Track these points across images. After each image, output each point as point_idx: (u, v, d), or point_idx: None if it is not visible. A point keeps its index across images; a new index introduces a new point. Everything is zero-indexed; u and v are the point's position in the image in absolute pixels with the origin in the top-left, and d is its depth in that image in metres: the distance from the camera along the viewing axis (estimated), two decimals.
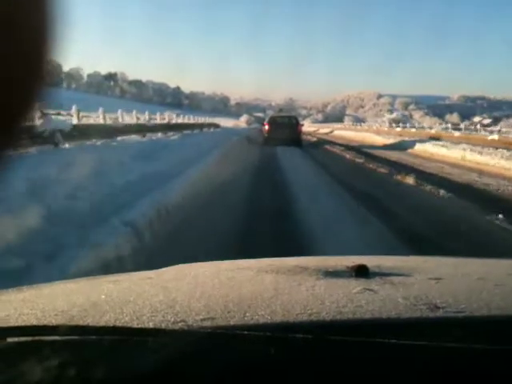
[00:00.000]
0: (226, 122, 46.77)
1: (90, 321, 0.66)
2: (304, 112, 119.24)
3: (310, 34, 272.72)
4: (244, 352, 0.56)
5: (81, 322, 0.66)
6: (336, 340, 0.58)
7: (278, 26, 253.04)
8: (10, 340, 0.58)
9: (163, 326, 0.64)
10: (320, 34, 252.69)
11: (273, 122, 20.62)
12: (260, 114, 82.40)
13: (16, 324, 0.66)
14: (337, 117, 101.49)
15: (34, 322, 0.66)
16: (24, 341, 0.59)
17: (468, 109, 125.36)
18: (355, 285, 0.84)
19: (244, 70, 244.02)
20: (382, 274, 0.95)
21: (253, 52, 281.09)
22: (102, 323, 0.65)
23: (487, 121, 76.32)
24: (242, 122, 73.38)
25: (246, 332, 0.60)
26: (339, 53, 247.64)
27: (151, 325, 0.64)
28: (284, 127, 19.64)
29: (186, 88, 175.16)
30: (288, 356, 0.56)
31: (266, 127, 20.16)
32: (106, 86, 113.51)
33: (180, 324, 0.64)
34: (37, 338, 0.59)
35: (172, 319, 0.66)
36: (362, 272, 0.94)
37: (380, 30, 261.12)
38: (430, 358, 0.55)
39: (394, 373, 0.54)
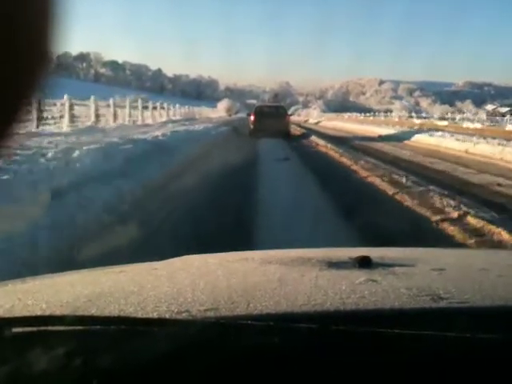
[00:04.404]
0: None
1: (94, 311, 0.70)
2: (301, 99, 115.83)
3: (305, 18, 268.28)
4: (248, 342, 0.59)
5: (85, 313, 0.70)
6: (339, 330, 0.61)
7: (271, 9, 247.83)
8: (15, 330, 0.62)
9: (167, 316, 0.68)
10: (315, 18, 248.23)
11: (259, 111, 20.48)
12: (253, 101, 78.22)
13: (20, 315, 0.70)
14: (340, 104, 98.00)
15: (39, 313, 0.70)
16: (29, 331, 0.62)
17: (475, 96, 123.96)
18: (358, 276, 0.88)
19: (236, 55, 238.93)
20: (385, 265, 0.98)
21: (244, 35, 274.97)
22: (106, 314, 0.69)
23: (504, 109, 72.57)
24: (221, 109, 57.05)
25: (249, 322, 0.63)
26: (336, 37, 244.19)
27: (155, 315, 0.68)
28: (271, 118, 19.53)
29: (169, 70, 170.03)
30: (291, 346, 0.59)
31: (252, 118, 19.99)
32: (79, 69, 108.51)
33: (184, 314, 0.68)
34: (42, 328, 0.63)
35: (176, 309, 0.70)
36: (365, 263, 0.97)
37: (380, 14, 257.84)
38: (433, 348, 0.58)
39: (398, 363, 0.57)
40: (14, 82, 0.31)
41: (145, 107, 23.75)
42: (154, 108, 25.56)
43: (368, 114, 53.89)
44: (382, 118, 42.67)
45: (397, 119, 38.83)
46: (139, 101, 23.89)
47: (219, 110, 56.31)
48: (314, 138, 19.52)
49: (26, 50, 0.30)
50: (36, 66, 0.32)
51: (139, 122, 20.31)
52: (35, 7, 0.30)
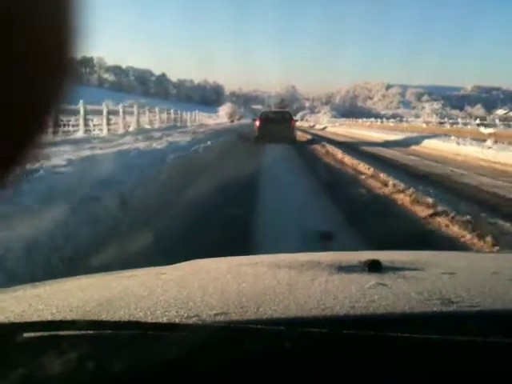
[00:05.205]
0: None
1: (104, 316, 0.71)
2: (307, 104, 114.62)
3: (311, 23, 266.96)
4: (258, 346, 0.60)
5: (96, 318, 0.71)
6: (349, 334, 0.62)
7: (277, 14, 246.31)
8: (26, 335, 0.63)
9: (177, 320, 0.69)
10: (321, 23, 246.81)
11: (265, 117, 20.78)
12: (259, 107, 77.00)
13: (31, 319, 0.71)
14: (348, 109, 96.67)
15: (49, 318, 0.71)
16: (40, 336, 0.63)
17: (484, 100, 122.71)
18: (368, 279, 0.88)
19: (239, 60, 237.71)
20: (395, 269, 0.98)
21: (250, 39, 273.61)
22: (116, 318, 0.70)
23: None
24: (223, 115, 51.06)
25: (260, 326, 0.64)
26: (342, 41, 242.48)
27: (165, 320, 0.69)
28: (277, 123, 19.72)
29: (173, 76, 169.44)
30: (302, 350, 0.60)
31: (257, 123, 20.26)
32: (81, 74, 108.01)
33: (194, 319, 0.69)
34: (53, 332, 0.64)
35: (186, 314, 0.71)
36: (374, 267, 0.97)
37: (387, 19, 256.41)
38: (443, 352, 0.59)
39: (409, 367, 0.58)
40: (38, 89, 0.30)
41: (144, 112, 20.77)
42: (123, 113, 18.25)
43: (393, 120, 45.81)
44: (424, 126, 32.76)
45: (448, 126, 29.40)
46: (135, 106, 20.23)
47: (220, 116, 51.09)
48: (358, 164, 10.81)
49: (49, 57, 0.30)
50: (60, 72, 0.31)
51: (80, 134, 13.85)
52: (57, 14, 0.30)
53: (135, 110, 20.20)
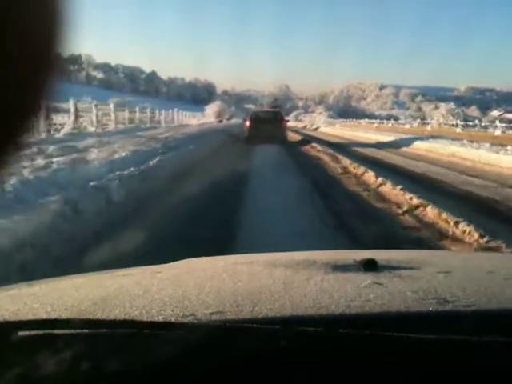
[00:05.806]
0: None
1: (99, 315, 0.71)
2: (301, 103, 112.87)
3: (305, 23, 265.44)
4: (254, 345, 0.60)
5: (91, 316, 0.71)
6: (345, 333, 0.62)
7: (271, 13, 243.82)
8: (21, 334, 0.63)
9: (173, 319, 0.69)
10: (315, 23, 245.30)
11: (255, 117, 20.50)
12: (251, 106, 75.16)
13: (26, 318, 0.71)
14: (342, 109, 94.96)
15: (44, 316, 0.71)
16: (35, 334, 0.63)
17: (478, 101, 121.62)
18: (364, 279, 0.88)
19: (233, 59, 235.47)
20: (391, 268, 0.98)
21: (243, 38, 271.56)
22: (111, 317, 0.70)
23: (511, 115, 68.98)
24: (210, 114, 47.74)
25: (255, 325, 0.64)
26: (336, 41, 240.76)
27: (161, 318, 0.69)
28: (267, 123, 19.48)
29: (164, 73, 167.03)
30: (298, 349, 0.60)
31: (248, 123, 19.91)
32: (69, 71, 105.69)
33: (189, 317, 0.69)
34: (48, 331, 0.64)
35: (181, 313, 0.71)
36: (370, 266, 0.97)
37: (380, 20, 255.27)
38: (439, 352, 0.59)
39: (404, 366, 0.58)
40: (24, 86, 0.30)
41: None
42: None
43: (402, 121, 42.55)
44: (458, 130, 27.10)
45: (498, 132, 23.20)
46: (71, 102, 14.55)
47: (208, 115, 47.26)
48: None
49: (36, 54, 0.30)
50: (46, 69, 0.31)
51: None
52: (45, 10, 0.30)
53: (71, 106, 14.89)
